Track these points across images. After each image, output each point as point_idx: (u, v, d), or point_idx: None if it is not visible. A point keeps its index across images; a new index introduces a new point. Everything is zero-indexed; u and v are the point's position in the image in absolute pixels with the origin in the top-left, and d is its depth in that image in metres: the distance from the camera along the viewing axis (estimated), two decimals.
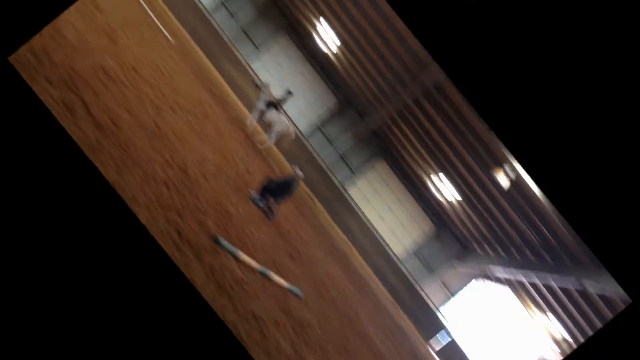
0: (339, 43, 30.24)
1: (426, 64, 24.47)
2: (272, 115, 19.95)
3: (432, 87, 25.19)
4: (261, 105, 19.94)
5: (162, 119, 9.54)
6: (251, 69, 30.06)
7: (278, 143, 20.95)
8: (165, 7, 26.23)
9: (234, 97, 25.79)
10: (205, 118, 13.74)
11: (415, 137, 29.29)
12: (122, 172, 6.17)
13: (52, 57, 6.67)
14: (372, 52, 27.83)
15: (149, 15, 18.60)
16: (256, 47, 33.71)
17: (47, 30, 7.25)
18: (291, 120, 23.20)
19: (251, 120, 20.29)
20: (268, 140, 20.42)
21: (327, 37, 30.68)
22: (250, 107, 28.14)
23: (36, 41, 6.61)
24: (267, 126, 20.75)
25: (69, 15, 8.76)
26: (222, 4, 33.68)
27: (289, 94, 21.05)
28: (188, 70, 17.39)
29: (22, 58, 5.84)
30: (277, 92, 23.34)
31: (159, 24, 18.97)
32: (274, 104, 19.98)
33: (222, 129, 15.13)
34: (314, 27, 31.57)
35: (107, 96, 7.56)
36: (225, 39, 29.50)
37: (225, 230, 8.28)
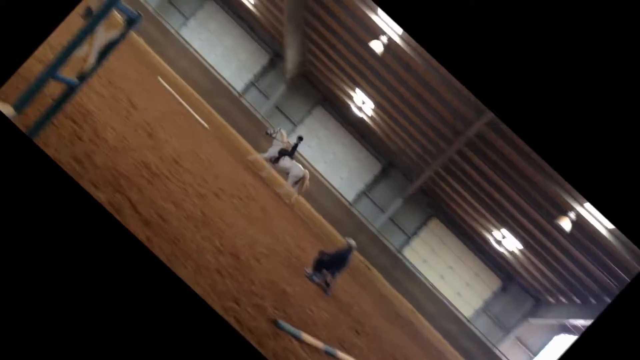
0: (375, 108, 30.61)
1: (465, 116, 24.53)
2: (285, 162, 20.55)
3: (475, 138, 25.13)
4: (275, 153, 20.56)
5: (207, 206, 9.72)
6: (264, 118, 30.61)
7: (298, 189, 21.52)
8: (197, 95, 27.08)
9: (274, 175, 26.14)
10: (250, 199, 13.93)
11: (466, 190, 29.05)
12: (175, 266, 6.27)
13: (94, 161, 6.92)
14: (409, 112, 28.06)
15: (183, 105, 19.20)
16: (292, 123, 34.38)
17: (87, 134, 7.56)
18: (306, 165, 23.44)
19: (255, 156, 20.93)
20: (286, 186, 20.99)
21: (362, 104, 31.09)
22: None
23: (77, 147, 6.88)
24: (283, 174, 21.27)
25: (106, 117, 9.13)
26: (253, 84, 34.65)
27: (299, 139, 21.50)
28: (227, 154, 17.76)
29: (65, 165, 6.08)
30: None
31: (193, 112, 19.55)
32: (287, 152, 20.57)
33: (268, 208, 15.29)
34: (349, 95, 32.08)
35: (152, 192, 7.76)
36: (260, 117, 30.22)
37: (284, 311, 8.26)
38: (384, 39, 23.98)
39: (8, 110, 4.49)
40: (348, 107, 33.25)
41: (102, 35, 4.96)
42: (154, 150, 10.02)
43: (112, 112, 9.83)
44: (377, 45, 24.24)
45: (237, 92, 33.13)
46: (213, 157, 14.80)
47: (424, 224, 33.72)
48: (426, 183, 31.27)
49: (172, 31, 32.47)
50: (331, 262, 12.33)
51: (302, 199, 26.87)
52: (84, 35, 4.61)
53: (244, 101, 32.46)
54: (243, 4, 33.41)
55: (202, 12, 35.45)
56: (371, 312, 15.10)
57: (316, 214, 26.99)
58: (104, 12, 4.57)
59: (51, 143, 6.25)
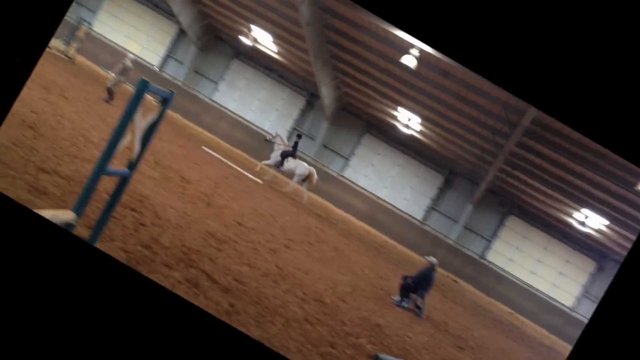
0: (422, 122, 30.44)
1: (516, 106, 24.17)
2: (290, 163, 22.12)
3: (531, 125, 24.71)
4: (277, 157, 22.20)
5: (281, 259, 9.82)
6: (314, 159, 30.74)
7: (308, 185, 22.38)
8: (244, 154, 27.50)
9: (337, 211, 26.22)
10: (320, 242, 13.99)
11: (535, 180, 28.46)
12: (264, 325, 6.34)
13: (162, 242, 7.11)
14: (457, 117, 27.82)
15: (233, 167, 19.54)
16: (344, 157, 34.51)
17: (149, 219, 7.78)
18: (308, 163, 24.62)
19: (260, 165, 22.41)
20: (290, 186, 22.19)
21: (408, 120, 30.96)
22: (357, 215, 28.48)
23: (142, 234, 7.09)
24: (289, 175, 22.81)
25: (163, 198, 9.38)
26: (296, 129, 35.00)
27: (298, 137, 23.31)
28: (287, 204, 17.94)
29: (135, 254, 6.26)
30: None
31: (244, 172, 19.88)
32: (289, 153, 22.18)
33: (340, 246, 15.32)
34: (393, 116, 32.03)
35: (224, 258, 7.91)
36: (310, 159, 30.50)
37: (382, 344, 8.22)
38: (414, 51, 23.97)
39: (69, 215, 4.67)
40: (395, 128, 33.18)
41: (141, 121, 5.13)
42: (216, 218, 10.23)
43: (167, 192, 10.10)
44: (409, 60, 24.23)
45: (285, 142, 33.55)
46: (274, 210, 14.97)
47: (501, 223, 33.09)
48: (493, 182, 30.75)
49: (206, 99, 33.25)
50: (416, 285, 12.22)
51: (371, 228, 26.81)
52: (124, 125, 4.78)
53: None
54: (267, 55, 33.99)
55: (230, 73, 36.20)
56: (469, 325, 14.83)
57: (390, 240, 26.85)
58: (137, 99, 4.75)
59: (116, 236, 6.46)
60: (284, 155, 22.04)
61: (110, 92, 18.26)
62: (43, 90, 13.08)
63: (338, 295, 9.65)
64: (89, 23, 27.89)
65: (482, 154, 29.29)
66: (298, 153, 22.98)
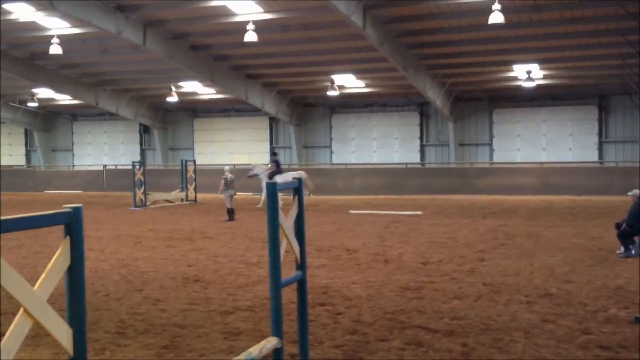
0: (541, 66, 29.25)
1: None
2: (279, 180, 23.07)
3: None
4: (266, 180, 22.82)
5: (484, 275, 9.72)
6: (459, 163, 29.94)
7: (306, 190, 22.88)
8: (390, 196, 27.60)
9: (510, 199, 25.59)
10: (511, 238, 13.75)
11: None
12: (507, 348, 6.23)
13: (365, 320, 7.26)
14: (577, 41, 26.39)
15: (387, 214, 19.64)
16: (485, 144, 33.83)
17: (340, 306, 7.95)
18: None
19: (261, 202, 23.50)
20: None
21: (529, 74, 29.77)
22: (531, 191, 27.60)
23: (343, 323, 7.24)
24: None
25: (341, 279, 9.58)
26: (424, 146, 34.84)
27: (274, 154, 25.73)
28: (456, 219, 17.82)
29: (349, 345, 6.39)
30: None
31: (400, 212, 19.96)
32: (276, 172, 23.47)
33: (533, 230, 14.91)
34: (511, 78, 31.14)
35: (430, 304, 7.92)
36: (455, 165, 30.13)
37: (634, 303, 7.83)
38: (496, 6, 23.20)
39: (273, 341, 4.88)
40: (519, 88, 32.16)
41: (287, 220, 5.33)
42: (399, 270, 10.32)
43: (342, 271, 10.33)
44: (496, 17, 23.41)
45: (420, 164, 33.53)
46: (449, 232, 14.90)
47: None
48: None
49: (328, 166, 34.05)
50: (634, 226, 11.54)
51: (552, 196, 25.81)
52: (274, 234, 4.99)
53: (430, 166, 32.80)
54: (360, 94, 34.30)
55: (336, 130, 36.67)
56: None
57: (578, 197, 25.66)
58: (273, 203, 4.95)
59: (322, 337, 6.63)
60: (272, 175, 23.01)
61: (230, 213, 19.07)
62: (188, 242, 13.89)
63: (561, 279, 9.35)
64: (193, 161, 29.36)
65: (623, 61, 27.71)
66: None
